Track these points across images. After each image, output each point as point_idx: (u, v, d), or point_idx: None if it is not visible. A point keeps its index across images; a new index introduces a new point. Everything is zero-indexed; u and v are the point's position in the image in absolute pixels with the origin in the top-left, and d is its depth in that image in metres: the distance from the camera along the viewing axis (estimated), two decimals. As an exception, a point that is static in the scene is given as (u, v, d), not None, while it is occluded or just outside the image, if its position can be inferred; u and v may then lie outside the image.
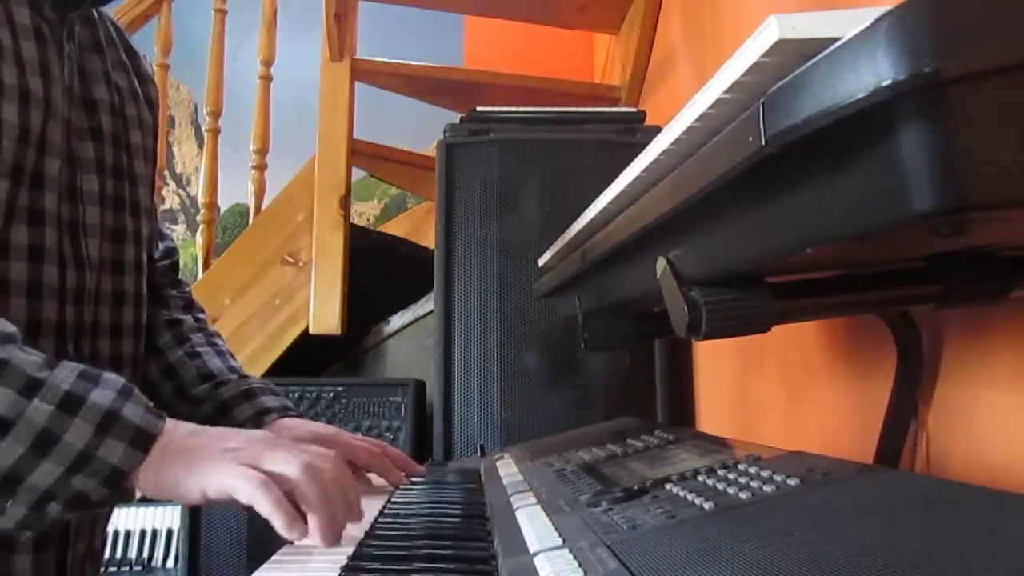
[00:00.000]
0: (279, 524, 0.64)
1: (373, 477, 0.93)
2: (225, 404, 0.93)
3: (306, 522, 0.65)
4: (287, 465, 0.66)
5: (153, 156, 0.96)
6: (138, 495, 0.68)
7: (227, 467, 0.66)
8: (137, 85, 0.92)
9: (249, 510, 0.65)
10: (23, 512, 0.64)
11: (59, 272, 0.77)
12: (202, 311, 1.07)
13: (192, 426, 0.71)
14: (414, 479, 0.94)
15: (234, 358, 1.02)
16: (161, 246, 1.05)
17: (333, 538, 0.65)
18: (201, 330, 1.03)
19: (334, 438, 0.92)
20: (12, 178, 0.72)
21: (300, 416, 0.96)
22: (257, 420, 0.91)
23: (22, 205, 0.74)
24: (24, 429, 0.62)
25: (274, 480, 0.65)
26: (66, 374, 0.66)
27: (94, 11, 0.88)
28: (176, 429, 0.69)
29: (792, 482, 0.51)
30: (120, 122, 0.87)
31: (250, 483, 0.64)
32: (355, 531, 0.68)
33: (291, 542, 0.66)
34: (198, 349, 0.99)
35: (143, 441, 0.66)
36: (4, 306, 0.72)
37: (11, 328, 0.68)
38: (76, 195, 0.80)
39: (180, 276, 1.08)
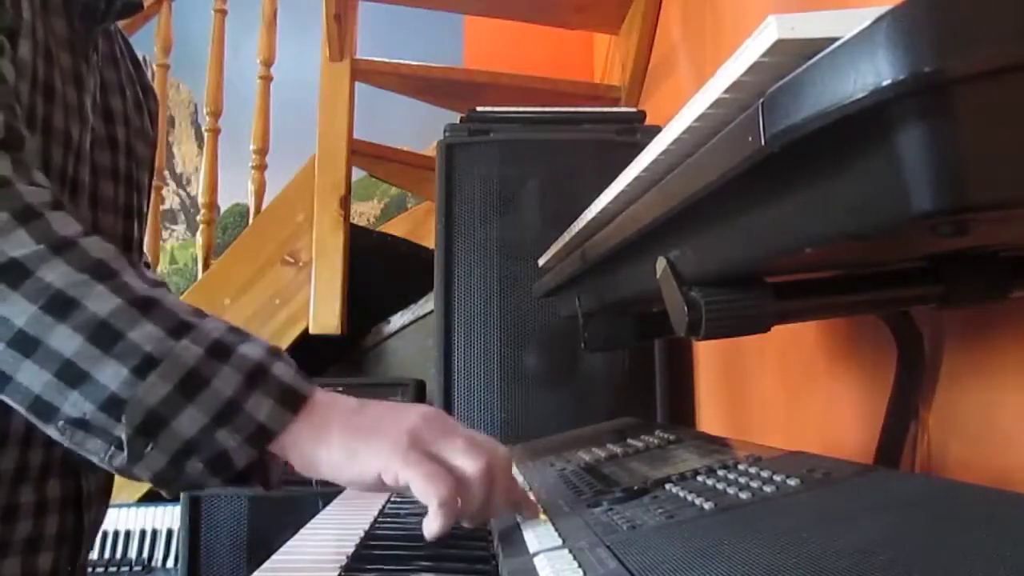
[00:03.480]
0: (433, 527, 0.58)
1: None
2: None
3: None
4: (468, 461, 0.61)
5: (152, 167, 0.97)
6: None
7: (408, 456, 0.60)
8: (141, 96, 0.94)
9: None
10: (162, 463, 0.59)
11: None
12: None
13: (356, 401, 0.65)
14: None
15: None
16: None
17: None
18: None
19: None
20: (60, 183, 0.73)
21: None
22: None
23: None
24: (171, 368, 0.58)
25: (451, 475, 0.60)
26: (216, 324, 0.63)
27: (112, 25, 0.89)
28: (339, 402, 0.64)
29: (792, 482, 0.51)
30: (130, 132, 0.89)
31: (433, 485, 0.59)
32: (355, 531, 0.68)
33: (291, 536, 0.66)
34: None
35: (293, 401, 0.61)
36: None
37: (159, 278, 0.67)
38: (96, 203, 0.81)
39: (172, 276, 1.10)
